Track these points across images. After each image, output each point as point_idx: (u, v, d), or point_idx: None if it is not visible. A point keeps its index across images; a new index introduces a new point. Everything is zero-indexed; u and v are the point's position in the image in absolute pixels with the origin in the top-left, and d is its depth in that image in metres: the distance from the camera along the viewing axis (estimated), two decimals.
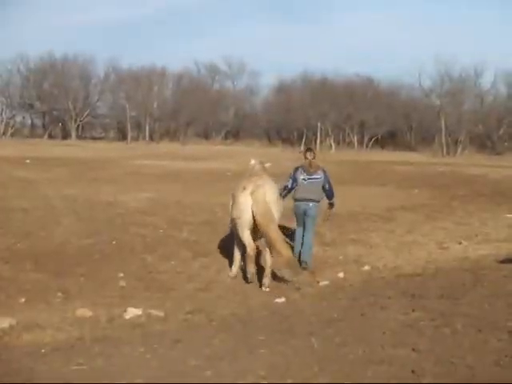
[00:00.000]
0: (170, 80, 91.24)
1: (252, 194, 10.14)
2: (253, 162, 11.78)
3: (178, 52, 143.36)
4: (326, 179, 12.23)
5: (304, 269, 11.23)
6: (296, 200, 12.12)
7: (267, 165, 12.16)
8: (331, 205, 12.64)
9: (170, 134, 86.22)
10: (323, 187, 12.21)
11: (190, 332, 6.88)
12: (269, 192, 10.29)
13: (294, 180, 12.18)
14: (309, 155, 12.41)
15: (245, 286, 10.15)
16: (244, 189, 10.28)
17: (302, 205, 12.00)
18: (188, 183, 25.71)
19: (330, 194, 12.38)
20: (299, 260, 11.50)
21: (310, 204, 11.98)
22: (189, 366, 5.46)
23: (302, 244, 11.93)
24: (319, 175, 12.19)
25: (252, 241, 10.28)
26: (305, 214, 12.01)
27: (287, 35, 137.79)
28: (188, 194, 21.36)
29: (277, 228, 10.17)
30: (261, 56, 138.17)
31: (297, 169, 12.35)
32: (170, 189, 23.09)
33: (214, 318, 7.75)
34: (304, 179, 12.11)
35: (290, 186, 12.17)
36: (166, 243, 13.21)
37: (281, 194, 11.56)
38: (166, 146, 69.27)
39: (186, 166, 35.39)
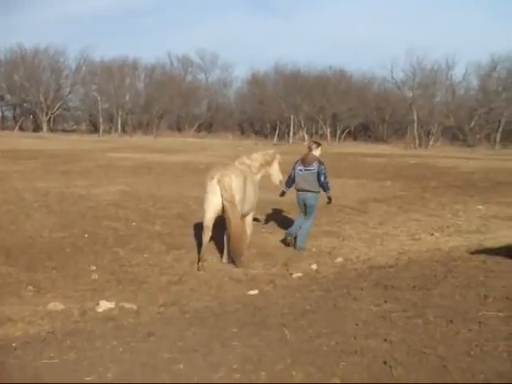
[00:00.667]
0: (142, 72, 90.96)
1: (219, 182, 10.70)
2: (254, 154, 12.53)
3: (151, 44, 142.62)
4: (321, 171, 12.63)
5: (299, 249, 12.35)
6: (296, 190, 12.91)
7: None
8: (329, 198, 13.06)
9: (143, 127, 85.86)
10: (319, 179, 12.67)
11: (163, 325, 6.83)
12: (235, 181, 10.79)
13: (294, 171, 13.00)
14: (308, 148, 13.17)
15: (218, 278, 10.13)
16: (211, 178, 10.79)
17: (301, 195, 12.87)
18: (161, 176, 25.59)
19: (323, 186, 12.71)
20: (285, 239, 12.74)
21: (309, 194, 12.68)
22: (161, 358, 5.43)
23: (300, 229, 12.69)
24: (313, 167, 12.63)
25: (211, 227, 10.85)
26: (304, 203, 12.78)
27: (260, 28, 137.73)
28: (161, 187, 21.27)
29: (238, 216, 10.84)
30: (234, 48, 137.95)
31: (297, 161, 13.05)
32: (143, 182, 22.98)
33: (187, 310, 7.71)
34: (300, 170, 12.81)
35: (291, 177, 13.02)
36: (139, 236, 13.14)
37: (286, 184, 13.05)
38: (138, 139, 68.98)
39: (158, 159, 35.22)
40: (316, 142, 13.40)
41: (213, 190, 10.75)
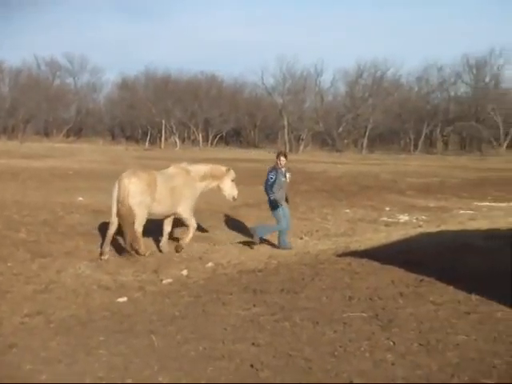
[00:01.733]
0: (7, 75, 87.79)
1: (118, 182, 11.60)
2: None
3: (17, 46, 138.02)
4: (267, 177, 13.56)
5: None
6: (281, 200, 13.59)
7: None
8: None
9: (8, 132, 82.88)
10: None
11: (27, 335, 6.60)
12: (135, 184, 11.57)
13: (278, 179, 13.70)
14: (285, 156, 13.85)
15: (86, 286, 9.90)
16: (118, 178, 11.73)
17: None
18: (27, 182, 24.73)
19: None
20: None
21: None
22: (23, 370, 5.25)
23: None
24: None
25: (115, 222, 11.67)
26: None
27: (130, 32, 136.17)
28: (26, 193, 20.56)
29: (130, 214, 11.50)
30: (103, 52, 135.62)
31: (277, 169, 13.62)
32: (7, 188, 22.11)
33: (53, 320, 7.49)
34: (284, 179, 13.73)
35: (279, 185, 13.60)
36: (2, 244, 12.64)
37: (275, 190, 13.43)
38: (2, 144, 66.53)
39: (24, 165, 34.06)
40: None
41: (113, 188, 11.68)
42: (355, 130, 77.88)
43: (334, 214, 18.41)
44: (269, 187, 13.38)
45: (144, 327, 6.49)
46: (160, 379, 5.00)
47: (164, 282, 10.01)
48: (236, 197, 13.32)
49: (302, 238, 14.26)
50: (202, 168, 13.03)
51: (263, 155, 57.76)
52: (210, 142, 78.31)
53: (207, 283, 9.30)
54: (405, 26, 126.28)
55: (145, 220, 11.94)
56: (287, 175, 13.60)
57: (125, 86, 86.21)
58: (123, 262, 11.45)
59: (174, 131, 76.84)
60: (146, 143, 73.84)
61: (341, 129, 76.43)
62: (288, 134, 74.15)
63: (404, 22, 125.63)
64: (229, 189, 13.15)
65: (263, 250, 13.04)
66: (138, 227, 11.79)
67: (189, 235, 12.67)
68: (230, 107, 77.91)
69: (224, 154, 56.37)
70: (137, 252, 11.65)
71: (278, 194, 13.29)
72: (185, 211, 12.63)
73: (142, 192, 11.62)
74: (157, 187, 11.84)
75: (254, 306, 7.30)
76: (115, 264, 11.06)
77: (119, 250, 11.93)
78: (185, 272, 10.81)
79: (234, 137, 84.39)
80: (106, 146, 67.38)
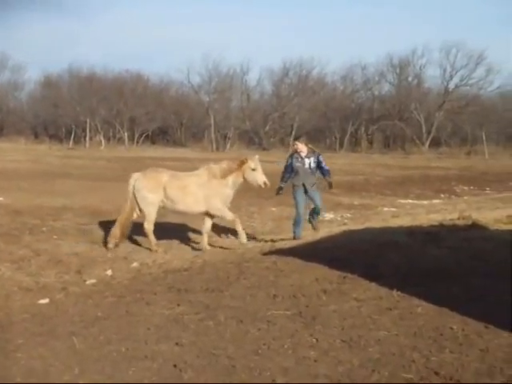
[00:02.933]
0: None
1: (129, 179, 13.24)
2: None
3: None
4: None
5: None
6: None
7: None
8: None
9: None
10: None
11: None
12: (138, 181, 13.02)
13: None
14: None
15: (7, 288, 9.65)
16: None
17: None
18: None
19: None
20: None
21: None
22: None
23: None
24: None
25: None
26: None
27: (53, 28, 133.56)
28: None
29: (127, 209, 13.14)
30: (25, 50, 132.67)
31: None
32: None
33: None
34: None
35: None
36: None
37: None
38: None
39: None
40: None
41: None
42: (282, 128, 78.24)
43: (260, 213, 18.48)
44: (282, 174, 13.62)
45: (65, 329, 6.38)
46: (80, 382, 4.92)
47: (87, 282, 9.86)
48: (263, 183, 12.95)
49: (228, 237, 14.26)
50: (220, 165, 13.20)
51: (189, 154, 57.59)
52: (135, 140, 77.41)
53: (131, 283, 9.21)
54: (330, 25, 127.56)
55: (153, 217, 12.90)
56: (306, 160, 13.27)
57: (48, 84, 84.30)
58: (45, 263, 11.24)
59: (99, 130, 75.70)
60: (70, 142, 72.53)
61: (267, 127, 76.68)
62: (215, 132, 73.99)
63: (329, 22, 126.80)
64: (252, 178, 12.98)
65: (189, 249, 13.00)
66: (146, 224, 12.85)
67: (237, 229, 12.70)
68: (156, 106, 77.16)
69: (150, 153, 55.90)
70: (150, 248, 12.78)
71: (294, 180, 13.32)
72: (214, 209, 12.89)
73: (144, 188, 12.88)
74: (165, 186, 12.81)
75: (179, 305, 7.26)
76: (37, 265, 10.86)
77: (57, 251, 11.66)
78: (109, 272, 10.68)
79: (161, 135, 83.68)
80: (28, 146, 65.88)
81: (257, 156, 13.51)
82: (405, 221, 15.35)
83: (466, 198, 24.83)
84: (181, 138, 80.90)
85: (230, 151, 68.52)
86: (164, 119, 79.41)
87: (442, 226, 13.00)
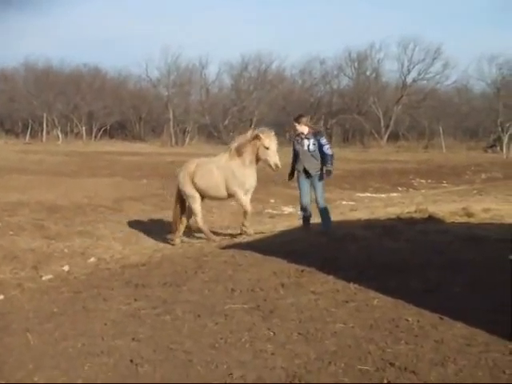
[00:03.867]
0: None
1: None
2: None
3: None
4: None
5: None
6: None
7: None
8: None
9: None
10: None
11: None
12: (179, 174, 13.21)
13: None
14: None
15: None
16: None
17: None
18: None
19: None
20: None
21: None
22: None
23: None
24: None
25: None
26: None
27: (8, 22, 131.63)
28: None
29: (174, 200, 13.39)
30: None
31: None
32: None
33: None
34: None
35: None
36: None
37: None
38: None
39: None
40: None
41: None
42: (241, 122, 78.12)
43: (219, 207, 18.46)
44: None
45: (20, 325, 6.32)
46: (36, 379, 4.87)
47: (44, 278, 9.77)
48: (274, 165, 12.06)
49: (186, 232, 14.23)
50: (235, 143, 12.65)
51: (148, 148, 57.32)
52: (93, 135, 76.75)
53: (88, 279, 9.15)
54: (288, 19, 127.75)
55: (197, 210, 12.83)
56: (305, 142, 11.88)
57: (3, 78, 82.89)
58: (0, 259, 11.10)
59: (56, 124, 74.84)
60: (27, 137, 71.63)
61: (227, 121, 76.54)
62: (174, 126, 73.65)
63: (287, 16, 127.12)
64: (264, 157, 12.16)
65: (147, 243, 12.97)
66: (194, 218, 13.03)
67: (245, 217, 12.41)
68: (114, 100, 76.49)
69: (108, 148, 55.45)
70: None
71: (297, 164, 12.06)
72: (234, 192, 12.52)
73: (180, 183, 12.98)
74: (193, 176, 12.72)
75: (136, 300, 7.23)
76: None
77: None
78: (66, 268, 10.60)
79: (119, 130, 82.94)
80: None
81: (273, 132, 12.36)
82: (363, 214, 15.49)
83: (423, 191, 25.14)
84: (140, 132, 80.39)
85: (190, 145, 68.38)
86: (122, 113, 78.79)
87: (399, 219, 13.14)
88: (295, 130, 12.15)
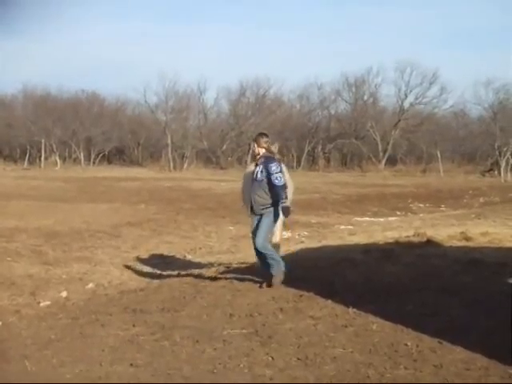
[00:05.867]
0: None
1: None
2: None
3: None
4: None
5: None
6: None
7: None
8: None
9: None
10: None
11: None
12: None
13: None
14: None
15: None
16: None
17: None
18: None
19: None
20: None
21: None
22: None
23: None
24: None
25: None
26: None
27: (6, 49, 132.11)
28: None
29: None
30: None
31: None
32: None
33: None
34: None
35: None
36: None
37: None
38: None
39: None
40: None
41: None
42: (239, 147, 78.33)
43: (217, 232, 18.50)
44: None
45: (17, 352, 6.27)
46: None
47: (41, 304, 9.72)
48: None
49: (185, 257, 14.22)
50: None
51: (146, 173, 57.37)
52: (92, 160, 76.85)
53: (86, 304, 9.10)
54: (285, 44, 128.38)
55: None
56: (257, 168, 9.22)
57: (1, 104, 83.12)
58: None
59: (55, 150, 74.94)
60: (25, 163, 71.70)
61: (225, 146, 76.67)
62: (172, 152, 73.75)
63: (284, 41, 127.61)
64: None
65: (146, 269, 12.92)
66: None
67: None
68: (112, 125, 76.69)
69: (106, 173, 55.43)
70: None
71: (245, 198, 9.68)
72: None
73: None
74: None
75: (134, 326, 7.20)
76: None
77: None
78: (64, 294, 10.55)
79: (117, 155, 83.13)
80: None
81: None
82: (361, 238, 15.48)
83: (421, 215, 25.11)
84: (138, 157, 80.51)
85: (187, 171, 68.44)
86: (121, 139, 78.99)
87: (397, 243, 13.15)
88: (253, 151, 9.72)
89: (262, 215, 9.16)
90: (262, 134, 9.67)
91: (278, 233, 10.41)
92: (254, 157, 9.55)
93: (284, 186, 9.01)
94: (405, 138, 74.02)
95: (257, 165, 9.26)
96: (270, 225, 9.23)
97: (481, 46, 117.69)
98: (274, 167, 8.94)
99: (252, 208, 9.26)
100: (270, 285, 8.97)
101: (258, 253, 9.27)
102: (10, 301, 10.09)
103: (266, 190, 9.05)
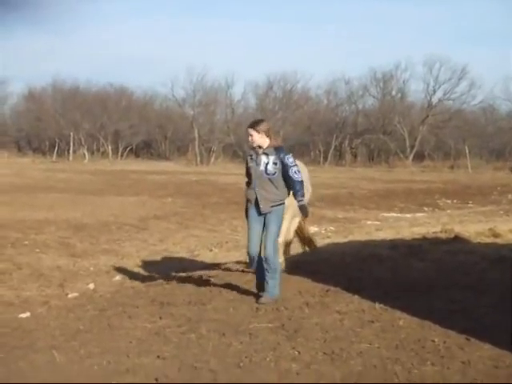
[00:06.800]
0: None
1: None
2: None
3: None
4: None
5: None
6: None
7: None
8: None
9: None
10: None
11: None
12: None
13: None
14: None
15: None
16: None
17: None
18: None
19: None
20: None
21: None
22: None
23: None
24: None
25: None
26: None
27: (37, 43, 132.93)
28: None
29: None
30: (7, 64, 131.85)
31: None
32: None
33: None
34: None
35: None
36: None
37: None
38: None
39: None
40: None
41: None
42: None
43: (244, 226, 18.42)
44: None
45: (46, 343, 6.33)
46: None
47: (69, 296, 9.82)
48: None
49: (211, 250, 14.26)
50: None
51: (173, 167, 57.50)
52: (119, 154, 77.22)
53: (114, 296, 9.14)
54: (312, 39, 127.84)
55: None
56: (263, 159, 8.02)
57: (31, 97, 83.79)
58: (27, 276, 11.19)
59: (83, 143, 75.41)
60: (54, 155, 72.22)
61: None
62: (199, 146, 73.88)
63: (311, 36, 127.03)
64: None
65: (173, 262, 12.96)
66: None
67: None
68: (140, 119, 77.00)
69: (134, 167, 55.66)
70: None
71: (248, 193, 8.22)
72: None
73: None
74: None
75: (161, 318, 7.22)
76: (19, 279, 10.81)
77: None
78: (91, 286, 10.65)
79: (145, 149, 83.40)
80: (11, 159, 65.58)
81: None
82: (388, 234, 15.43)
83: (449, 211, 24.94)
84: (165, 151, 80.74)
85: (214, 165, 68.53)
86: (148, 133, 79.27)
87: (424, 239, 13.08)
88: (251, 140, 8.21)
89: (265, 215, 8.04)
90: (262, 120, 8.60)
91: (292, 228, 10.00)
92: (253, 148, 8.25)
93: (303, 182, 8.07)
94: (433, 133, 73.41)
95: (257, 155, 8.09)
96: (279, 226, 8.16)
97: (510, 41, 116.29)
98: (291, 159, 7.95)
99: (256, 207, 8.06)
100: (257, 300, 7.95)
101: (259, 261, 8.31)
102: (38, 292, 10.21)
103: (279, 184, 7.99)
